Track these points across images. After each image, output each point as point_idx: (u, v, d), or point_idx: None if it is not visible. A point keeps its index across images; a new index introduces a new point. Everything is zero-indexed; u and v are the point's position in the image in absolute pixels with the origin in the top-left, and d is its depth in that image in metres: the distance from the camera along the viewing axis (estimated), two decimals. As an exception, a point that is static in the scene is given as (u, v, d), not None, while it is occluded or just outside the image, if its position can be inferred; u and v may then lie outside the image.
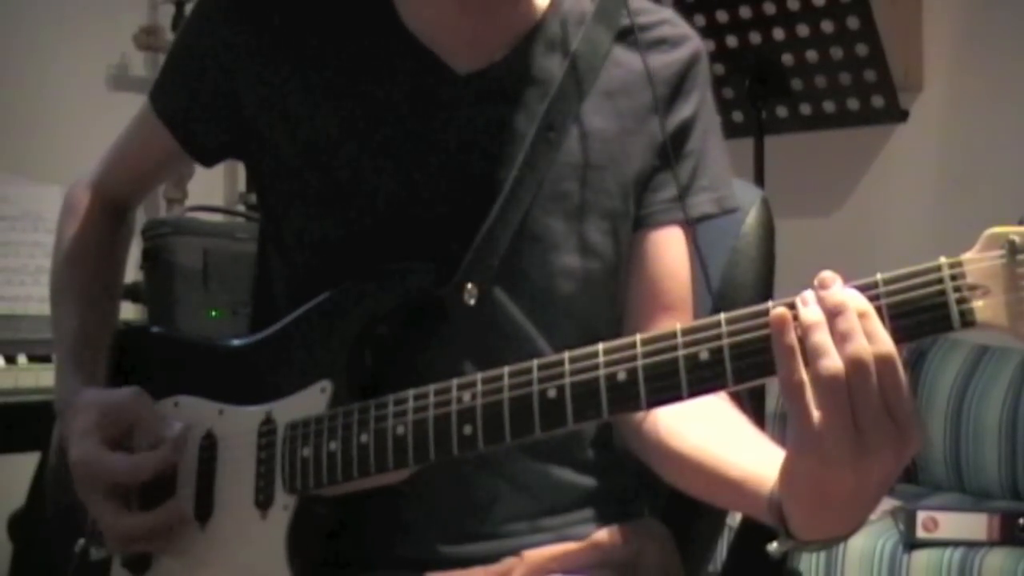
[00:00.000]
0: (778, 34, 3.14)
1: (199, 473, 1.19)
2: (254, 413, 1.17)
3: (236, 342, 1.26)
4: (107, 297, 1.37)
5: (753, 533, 1.02)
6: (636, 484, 1.28)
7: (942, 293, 0.87)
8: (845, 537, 0.96)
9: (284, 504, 1.13)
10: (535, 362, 1.02)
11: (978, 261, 0.86)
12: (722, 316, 0.94)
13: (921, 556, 2.62)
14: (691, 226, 1.26)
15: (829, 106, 3.25)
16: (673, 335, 0.96)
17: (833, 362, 0.87)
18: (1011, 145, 3.31)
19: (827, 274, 0.90)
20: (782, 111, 3.30)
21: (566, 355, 1.01)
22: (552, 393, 1.00)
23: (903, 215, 3.50)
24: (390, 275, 1.17)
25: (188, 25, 1.33)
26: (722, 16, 3.17)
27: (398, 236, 1.20)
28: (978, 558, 2.56)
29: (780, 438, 0.97)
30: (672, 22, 1.30)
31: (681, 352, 0.95)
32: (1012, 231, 0.86)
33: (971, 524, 2.61)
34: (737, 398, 1.13)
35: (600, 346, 1.00)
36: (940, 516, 2.62)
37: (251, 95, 1.25)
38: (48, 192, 2.42)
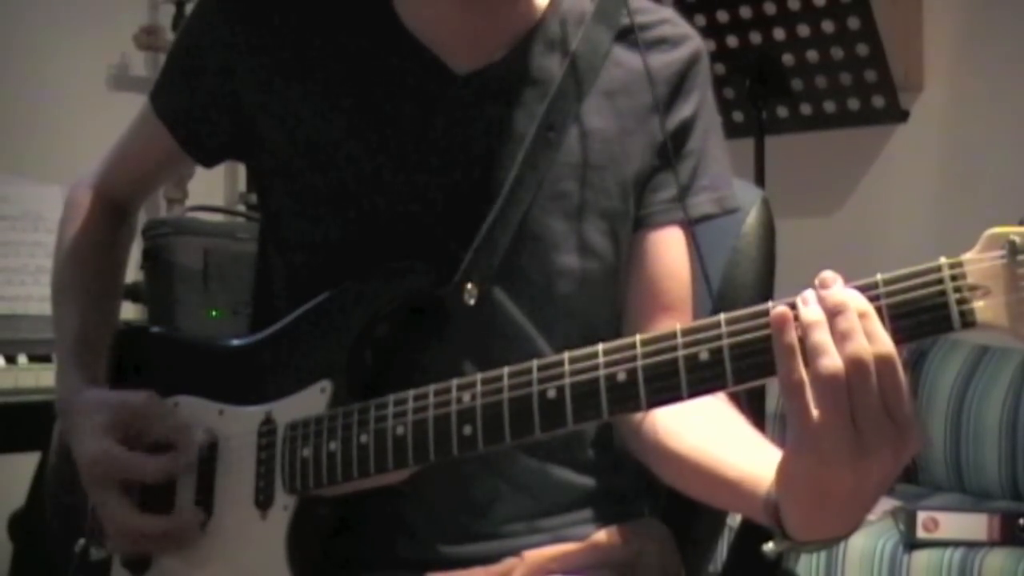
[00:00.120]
0: (779, 34, 3.14)
1: (199, 473, 1.19)
2: (254, 413, 1.17)
3: (236, 342, 1.26)
4: (108, 297, 1.38)
5: (753, 533, 1.01)
6: (636, 484, 1.28)
7: (942, 293, 0.87)
8: (842, 538, 0.96)
9: (284, 504, 1.13)
10: (535, 362, 1.02)
11: (978, 261, 0.86)
12: (722, 316, 0.94)
13: (921, 556, 2.62)
14: (691, 226, 1.26)
15: (830, 106, 3.25)
16: (673, 335, 0.96)
17: (833, 361, 0.87)
18: (1011, 145, 3.31)
19: (828, 274, 0.90)
20: (782, 111, 3.29)
21: (566, 355, 1.01)
22: (552, 393, 1.00)
23: (903, 215, 3.50)
24: (390, 275, 1.17)
25: (188, 25, 1.33)
26: (723, 16, 3.16)
27: (398, 236, 1.20)
28: (978, 558, 2.56)
29: (780, 438, 0.97)
30: (672, 21, 1.30)
31: (681, 352, 0.95)
32: (1012, 231, 0.86)
33: (971, 524, 2.61)
34: (735, 399, 1.13)
35: (600, 346, 1.00)
36: (940, 516, 2.62)
37: (251, 95, 1.25)
38: (48, 192, 2.42)
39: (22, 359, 2.26)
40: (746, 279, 1.45)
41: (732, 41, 3.18)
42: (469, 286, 1.17)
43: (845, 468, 0.88)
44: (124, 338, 1.33)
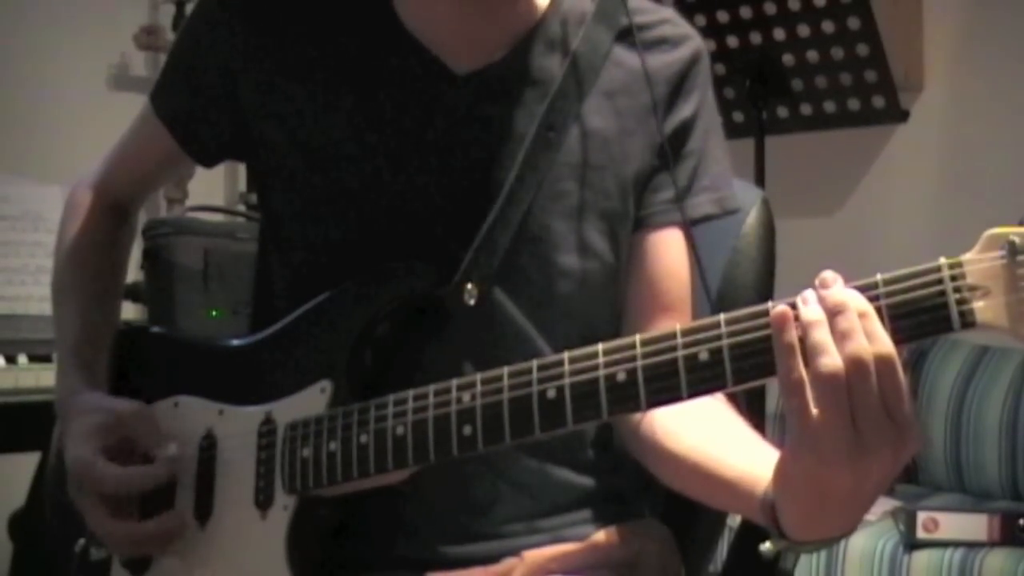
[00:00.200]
0: (779, 34, 3.14)
1: (199, 473, 1.19)
2: (254, 413, 1.17)
3: (236, 342, 1.26)
4: (108, 297, 1.37)
5: (753, 533, 1.01)
6: (636, 484, 1.28)
7: (942, 294, 0.87)
8: (840, 538, 0.96)
9: (284, 504, 1.13)
10: (535, 362, 1.02)
11: (978, 262, 0.86)
12: (722, 317, 0.94)
13: (921, 556, 2.62)
14: (691, 227, 1.26)
15: (830, 106, 3.25)
16: (673, 336, 0.96)
17: (833, 360, 0.87)
18: (1011, 145, 3.31)
19: (828, 274, 0.90)
20: (783, 111, 3.30)
21: (566, 355, 1.01)
22: (552, 394, 1.00)
23: (903, 215, 3.50)
24: (390, 275, 1.17)
25: (188, 26, 1.33)
26: (723, 16, 3.17)
27: (398, 236, 1.20)
28: (978, 559, 2.56)
29: (780, 438, 0.97)
30: (673, 21, 1.30)
31: (681, 353, 0.95)
32: (1012, 232, 0.86)
33: (971, 525, 2.61)
34: (734, 399, 1.13)
35: (600, 346, 0.99)
36: (940, 516, 2.62)
37: (251, 96, 1.25)
38: (48, 192, 2.42)
39: (22, 359, 2.26)
40: (746, 279, 1.45)
41: (732, 41, 3.18)
42: (469, 286, 1.17)
43: (844, 468, 0.88)
44: (124, 338, 1.33)
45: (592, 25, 1.25)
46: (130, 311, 2.49)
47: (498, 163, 1.20)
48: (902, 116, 3.39)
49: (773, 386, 0.93)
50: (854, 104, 3.24)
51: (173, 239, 2.02)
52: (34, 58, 3.30)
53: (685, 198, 1.25)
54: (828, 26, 3.08)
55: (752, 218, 1.46)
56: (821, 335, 0.87)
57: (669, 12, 1.31)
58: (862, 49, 3.10)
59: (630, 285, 1.26)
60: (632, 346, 0.97)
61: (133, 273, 1.71)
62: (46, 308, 1.39)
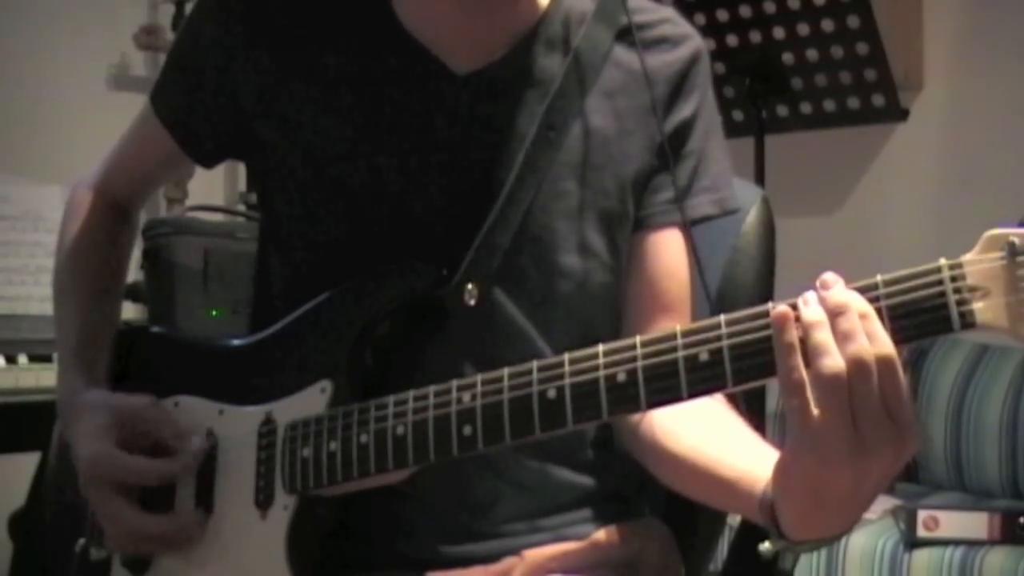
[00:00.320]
0: (778, 33, 3.14)
1: (199, 473, 1.19)
2: (254, 413, 1.17)
3: (236, 342, 1.26)
4: (109, 297, 1.37)
5: (753, 533, 1.01)
6: (636, 484, 1.28)
7: (942, 295, 0.87)
8: (838, 537, 0.96)
9: (284, 504, 1.13)
10: (535, 363, 1.02)
11: (978, 263, 0.86)
12: (722, 317, 0.94)
13: (922, 555, 2.62)
14: (690, 227, 1.26)
15: (829, 105, 3.25)
16: (673, 336, 0.96)
17: (835, 361, 0.87)
18: (1011, 144, 3.31)
19: (829, 276, 0.90)
20: (782, 110, 3.29)
21: (566, 356, 1.01)
22: (552, 394, 1.01)
23: (903, 214, 3.50)
24: (390, 275, 1.17)
25: (187, 26, 1.33)
26: (722, 15, 3.16)
27: (398, 236, 1.20)
28: (979, 557, 2.56)
29: (780, 438, 0.97)
30: (673, 21, 1.30)
31: (681, 353, 0.95)
32: (1012, 233, 0.86)
33: (972, 523, 2.61)
34: (733, 400, 1.13)
35: (600, 347, 1.00)
36: (941, 515, 2.62)
37: (250, 96, 1.25)
38: (48, 192, 2.42)
39: (22, 359, 2.26)
40: (746, 278, 1.45)
41: (732, 40, 3.18)
42: (469, 286, 1.17)
43: (845, 468, 0.88)
44: (124, 338, 1.33)
45: (592, 24, 1.25)
46: (130, 311, 2.49)
47: (498, 163, 1.20)
48: (902, 115, 3.39)
49: (773, 386, 0.93)
50: (854, 103, 3.24)
51: (173, 239, 2.01)
52: (34, 58, 3.30)
53: (685, 198, 1.25)
54: (828, 25, 3.08)
55: (752, 217, 1.46)
56: (823, 336, 0.88)
57: (669, 11, 1.31)
58: (862, 48, 3.10)
59: (630, 285, 1.26)
60: (632, 346, 0.97)
61: (133, 273, 1.71)
62: (46, 308, 1.39)
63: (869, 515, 2.49)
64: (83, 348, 1.30)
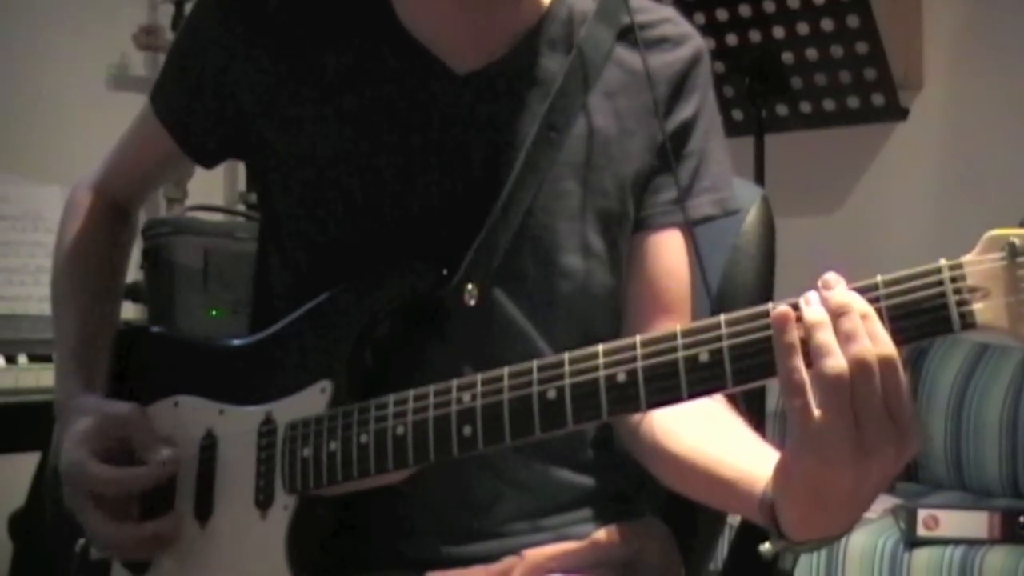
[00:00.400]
0: (778, 32, 3.14)
1: (199, 473, 1.19)
2: (254, 413, 1.17)
3: (236, 342, 1.26)
4: (108, 297, 1.37)
5: (753, 533, 1.01)
6: (636, 483, 1.28)
7: (942, 295, 0.87)
8: (838, 538, 0.96)
9: (284, 504, 1.13)
10: (535, 363, 1.02)
11: (978, 263, 0.86)
12: (722, 318, 0.94)
13: (922, 554, 2.62)
14: (691, 228, 1.26)
15: (829, 104, 3.25)
16: (673, 336, 0.96)
17: (838, 361, 0.87)
18: (1011, 143, 3.31)
19: (831, 276, 0.90)
20: (782, 109, 3.29)
21: (566, 356, 1.01)
22: (552, 394, 1.00)
23: (903, 213, 3.50)
24: (390, 275, 1.17)
25: (186, 26, 1.33)
26: (722, 14, 3.16)
27: (398, 236, 1.20)
28: (979, 556, 2.56)
29: (780, 438, 0.97)
30: (674, 21, 1.30)
31: (681, 353, 0.95)
32: (1012, 233, 0.86)
33: (972, 522, 2.61)
34: (733, 400, 1.13)
35: (600, 347, 0.99)
36: (941, 514, 2.62)
37: (249, 96, 1.25)
38: (48, 192, 2.42)
39: (22, 359, 2.26)
40: (746, 278, 1.45)
41: (731, 39, 3.18)
42: (469, 286, 1.17)
43: (846, 468, 0.88)
44: (124, 338, 1.33)
45: (594, 24, 1.25)
46: (130, 311, 2.49)
47: (499, 163, 1.20)
48: (902, 114, 3.39)
49: (773, 386, 0.93)
50: (853, 102, 3.24)
51: (173, 239, 2.01)
52: (34, 58, 3.30)
53: (686, 199, 1.25)
54: (827, 24, 3.08)
55: (752, 216, 1.46)
56: (825, 336, 0.87)
57: (670, 11, 1.30)
58: (861, 47, 3.10)
59: (630, 286, 1.26)
60: (632, 347, 0.97)
61: (133, 273, 1.72)
62: (46, 308, 1.39)
63: (869, 514, 2.49)
64: (82, 348, 1.30)
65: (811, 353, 0.88)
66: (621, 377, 0.97)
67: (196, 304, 1.96)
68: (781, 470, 0.94)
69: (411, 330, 1.17)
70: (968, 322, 0.86)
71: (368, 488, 1.11)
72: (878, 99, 3.23)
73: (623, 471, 1.27)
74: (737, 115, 3.22)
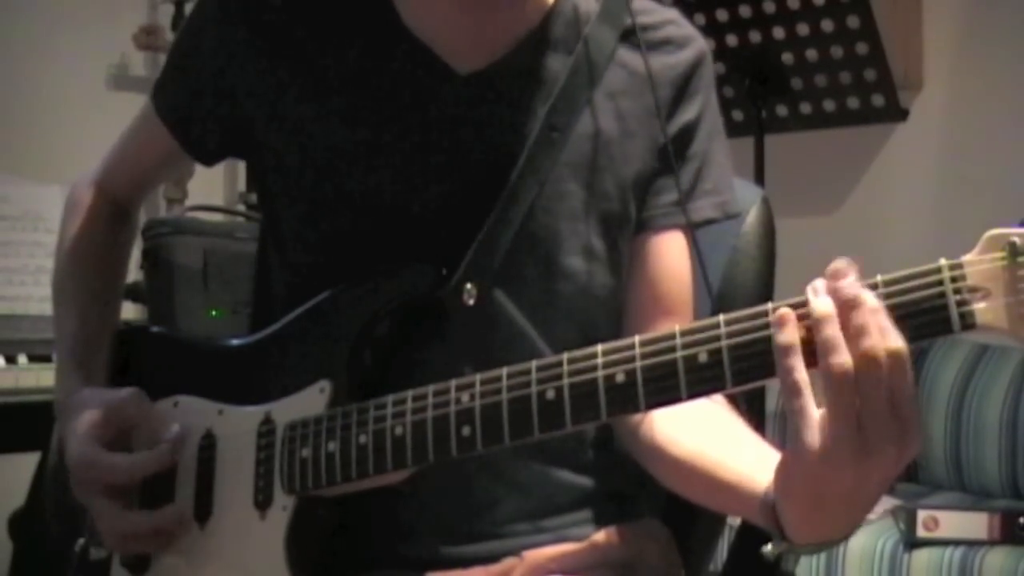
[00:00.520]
0: (778, 33, 3.14)
1: (198, 473, 1.19)
2: (253, 413, 1.17)
3: (236, 342, 1.26)
4: (109, 297, 1.38)
5: (753, 534, 1.01)
6: (636, 484, 1.28)
7: (942, 295, 0.86)
8: (840, 540, 0.95)
9: (283, 505, 1.13)
10: (534, 363, 1.02)
11: (978, 263, 0.86)
12: (721, 318, 0.93)
13: (922, 555, 2.62)
14: (693, 231, 1.26)
15: (829, 105, 3.25)
16: (672, 336, 0.95)
17: (844, 358, 0.86)
18: (1011, 144, 3.31)
19: (840, 264, 0.89)
20: (782, 110, 3.29)
21: (565, 356, 1.01)
22: (551, 394, 1.00)
23: (903, 214, 3.50)
24: (390, 275, 1.17)
25: (187, 25, 1.33)
26: (722, 15, 3.16)
27: (398, 236, 1.20)
28: (979, 557, 2.56)
29: (780, 438, 0.97)
30: (677, 22, 1.29)
31: (680, 354, 0.94)
32: (1012, 233, 0.86)
33: (972, 523, 2.61)
34: (733, 400, 1.13)
35: (599, 347, 0.99)
36: (941, 515, 2.62)
37: (250, 95, 1.25)
38: (48, 192, 2.42)
39: (22, 359, 2.26)
40: (746, 278, 1.45)
41: (732, 40, 3.18)
42: (469, 286, 1.17)
43: (847, 468, 0.87)
44: (124, 338, 1.33)
45: (597, 25, 1.24)
46: (130, 311, 2.49)
47: (500, 163, 1.19)
48: (902, 115, 3.39)
49: (773, 386, 0.93)
50: (853, 103, 3.24)
51: (173, 239, 2.01)
52: (34, 58, 3.30)
53: (687, 201, 1.24)
54: (827, 24, 3.08)
55: (752, 217, 1.46)
56: (831, 331, 0.87)
57: (673, 13, 1.30)
58: (861, 47, 3.10)
59: (631, 287, 1.26)
60: (631, 347, 0.97)
61: (133, 273, 1.72)
62: (46, 308, 1.39)
63: (869, 515, 2.49)
64: (82, 348, 1.30)
65: (817, 349, 0.87)
66: (620, 377, 0.97)
67: (196, 304, 1.97)
68: (781, 471, 0.94)
69: (410, 330, 1.17)
70: (968, 322, 0.86)
71: (367, 489, 1.11)
72: (878, 100, 3.24)
73: (623, 472, 1.27)
74: (737, 116, 3.22)
